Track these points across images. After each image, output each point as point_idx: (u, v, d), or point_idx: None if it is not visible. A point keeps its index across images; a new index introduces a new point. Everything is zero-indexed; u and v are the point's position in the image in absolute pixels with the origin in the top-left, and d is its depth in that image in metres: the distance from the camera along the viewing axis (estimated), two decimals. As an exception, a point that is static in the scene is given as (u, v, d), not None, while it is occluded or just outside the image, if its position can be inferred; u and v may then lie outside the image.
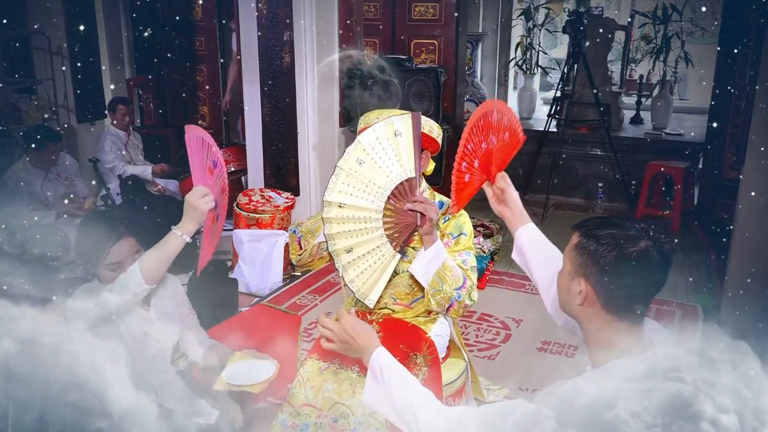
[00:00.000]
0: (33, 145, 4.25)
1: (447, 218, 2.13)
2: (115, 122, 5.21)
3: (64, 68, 5.22)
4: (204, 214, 1.95)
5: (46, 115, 5.14)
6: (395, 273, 2.12)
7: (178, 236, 1.94)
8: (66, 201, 4.37)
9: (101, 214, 2.10)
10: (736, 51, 4.80)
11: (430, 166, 2.19)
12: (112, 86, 6.00)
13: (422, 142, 2.09)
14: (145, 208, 4.19)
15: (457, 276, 1.98)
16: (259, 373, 2.08)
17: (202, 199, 1.93)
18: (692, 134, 6.17)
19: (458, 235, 2.11)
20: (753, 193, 3.23)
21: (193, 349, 2.29)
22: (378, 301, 2.12)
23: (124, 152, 5.22)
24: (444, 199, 2.21)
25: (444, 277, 1.97)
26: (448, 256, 2.01)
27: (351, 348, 1.60)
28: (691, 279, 4.21)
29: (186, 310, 2.28)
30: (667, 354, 1.14)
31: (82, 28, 5.31)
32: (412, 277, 2.10)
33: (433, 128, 2.11)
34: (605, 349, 1.31)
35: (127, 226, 2.02)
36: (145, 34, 6.21)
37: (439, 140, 2.14)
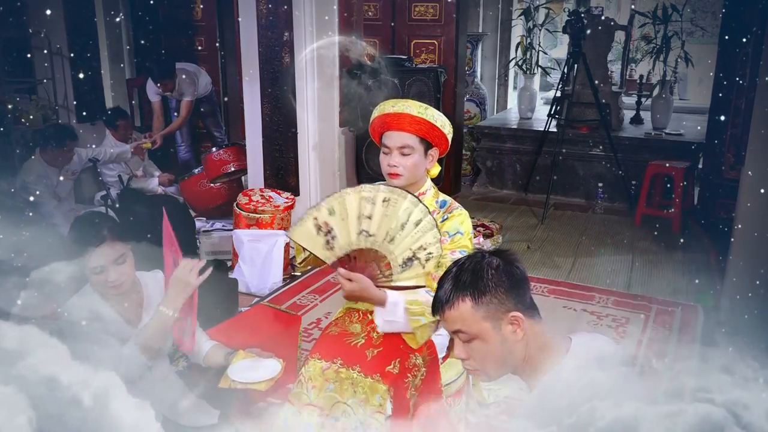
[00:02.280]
0: (51, 143, 4.34)
1: (445, 217, 2.13)
2: (114, 136, 5.22)
3: (66, 70, 5.24)
4: (194, 288, 1.98)
5: (45, 116, 5.15)
6: None
7: (169, 315, 1.96)
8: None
9: (89, 217, 2.08)
10: (736, 50, 4.80)
11: (435, 169, 2.16)
12: (109, 80, 6.01)
13: (432, 138, 2.09)
14: (145, 209, 4.19)
15: (428, 303, 1.95)
16: (265, 371, 2.07)
17: (191, 274, 1.96)
18: (693, 134, 6.17)
19: (454, 234, 2.10)
20: (762, 190, 3.15)
21: (194, 351, 2.29)
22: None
23: (123, 165, 5.22)
24: (446, 198, 2.20)
25: (420, 312, 1.94)
26: (407, 295, 1.97)
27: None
28: (695, 280, 4.20)
29: (185, 311, 2.27)
30: (694, 372, 1.12)
31: (81, 28, 5.32)
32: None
33: (444, 124, 2.08)
34: (547, 353, 1.37)
35: (109, 229, 1.99)
36: (146, 34, 6.22)
37: (449, 138, 2.12)
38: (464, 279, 1.39)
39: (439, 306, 1.43)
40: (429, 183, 2.18)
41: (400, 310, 1.95)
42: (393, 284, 1.96)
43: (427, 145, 2.09)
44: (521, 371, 1.41)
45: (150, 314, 2.11)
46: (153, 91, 5.55)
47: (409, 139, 2.05)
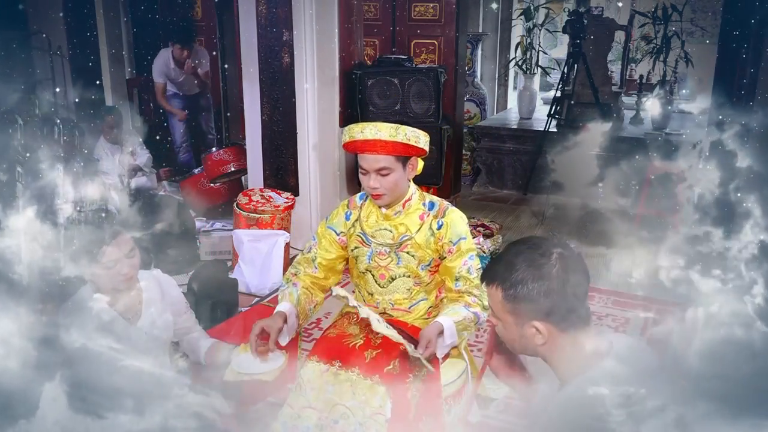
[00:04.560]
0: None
1: (441, 223, 2.10)
2: (105, 135, 5.18)
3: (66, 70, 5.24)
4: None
5: (44, 116, 5.15)
6: (392, 278, 2.14)
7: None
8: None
9: (99, 214, 2.11)
10: (735, 48, 4.79)
11: (420, 165, 2.14)
12: (109, 80, 6.03)
13: (409, 153, 2.04)
14: (146, 210, 4.20)
15: (470, 319, 2.02)
16: (270, 361, 2.04)
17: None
18: (693, 134, 6.16)
19: (458, 241, 2.08)
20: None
21: (193, 350, 2.29)
22: (377, 307, 2.15)
23: (121, 166, 5.20)
24: (434, 199, 2.17)
25: (466, 328, 2.03)
26: (455, 316, 2.00)
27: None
28: (694, 280, 4.19)
29: (183, 310, 2.28)
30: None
31: (82, 28, 5.32)
32: (410, 282, 2.12)
33: (419, 139, 2.02)
34: (576, 362, 1.33)
35: (120, 224, 2.04)
36: (146, 34, 6.22)
37: (426, 147, 2.06)
38: (507, 270, 1.34)
39: (482, 277, 1.45)
40: (413, 187, 2.14)
41: (455, 330, 1.99)
42: None
43: (405, 159, 2.05)
44: (547, 362, 1.40)
45: (149, 311, 2.12)
46: (159, 70, 5.56)
47: (385, 161, 2.00)
